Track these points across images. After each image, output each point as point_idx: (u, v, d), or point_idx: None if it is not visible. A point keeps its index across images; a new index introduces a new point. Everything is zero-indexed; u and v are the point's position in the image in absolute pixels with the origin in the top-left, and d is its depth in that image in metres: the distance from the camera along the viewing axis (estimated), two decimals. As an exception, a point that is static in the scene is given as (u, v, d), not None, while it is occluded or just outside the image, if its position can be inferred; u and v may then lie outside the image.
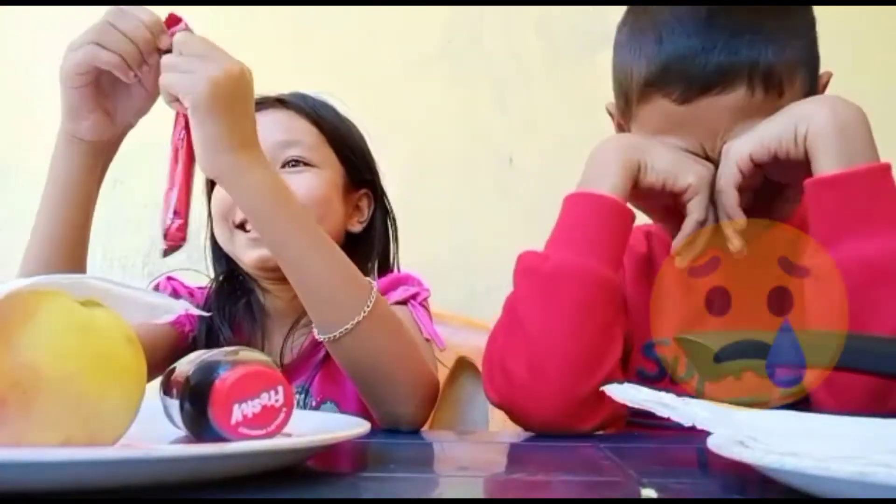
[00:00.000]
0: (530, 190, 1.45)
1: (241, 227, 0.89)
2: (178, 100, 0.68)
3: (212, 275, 1.01)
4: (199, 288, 0.99)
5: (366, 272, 0.96)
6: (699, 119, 0.72)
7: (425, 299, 0.92)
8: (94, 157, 0.76)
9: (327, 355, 0.89)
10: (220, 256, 0.98)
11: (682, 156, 0.74)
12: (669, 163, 0.74)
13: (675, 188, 0.74)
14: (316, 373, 0.91)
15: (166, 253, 0.71)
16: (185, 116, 0.68)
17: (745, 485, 0.44)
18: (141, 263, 1.51)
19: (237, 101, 0.68)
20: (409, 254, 1.04)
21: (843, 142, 0.69)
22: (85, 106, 0.73)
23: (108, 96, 0.74)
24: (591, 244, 0.73)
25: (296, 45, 1.54)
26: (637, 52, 0.76)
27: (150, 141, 1.66)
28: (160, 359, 0.86)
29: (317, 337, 0.72)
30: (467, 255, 1.45)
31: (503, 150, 1.48)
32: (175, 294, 0.96)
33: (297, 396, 0.90)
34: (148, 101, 0.77)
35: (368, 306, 0.70)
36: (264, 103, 0.97)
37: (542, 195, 1.46)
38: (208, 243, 1.00)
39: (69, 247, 0.78)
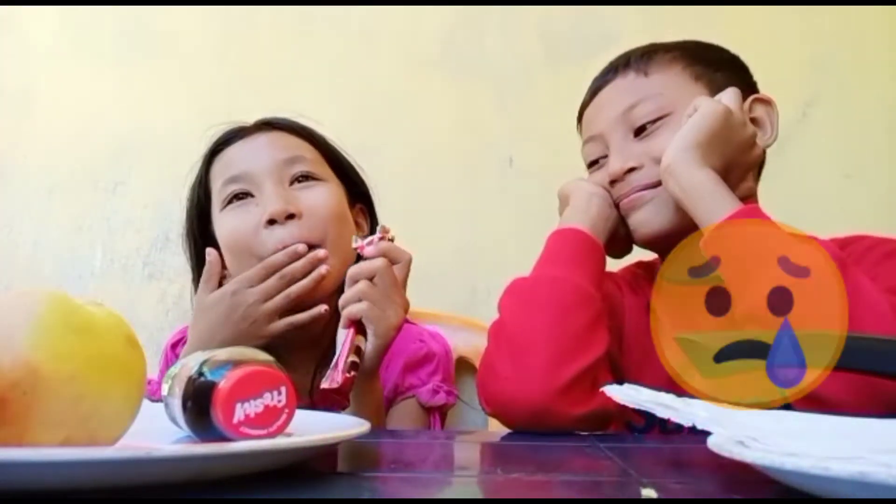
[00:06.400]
0: (530, 190, 1.45)
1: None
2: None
3: None
4: None
5: None
6: (599, 107, 0.92)
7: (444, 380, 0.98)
8: None
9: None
10: None
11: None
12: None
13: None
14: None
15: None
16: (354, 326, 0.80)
17: (745, 485, 0.44)
18: (141, 263, 1.51)
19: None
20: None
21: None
22: None
23: None
24: (566, 262, 0.82)
25: (296, 46, 1.54)
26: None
27: (150, 143, 1.66)
28: None
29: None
30: (467, 256, 1.45)
31: (503, 150, 1.48)
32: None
33: None
34: None
35: None
36: (248, 130, 0.97)
37: (542, 195, 1.45)
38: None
39: None
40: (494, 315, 0.80)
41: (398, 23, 1.52)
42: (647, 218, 0.86)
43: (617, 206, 0.88)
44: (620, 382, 0.83)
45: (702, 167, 0.78)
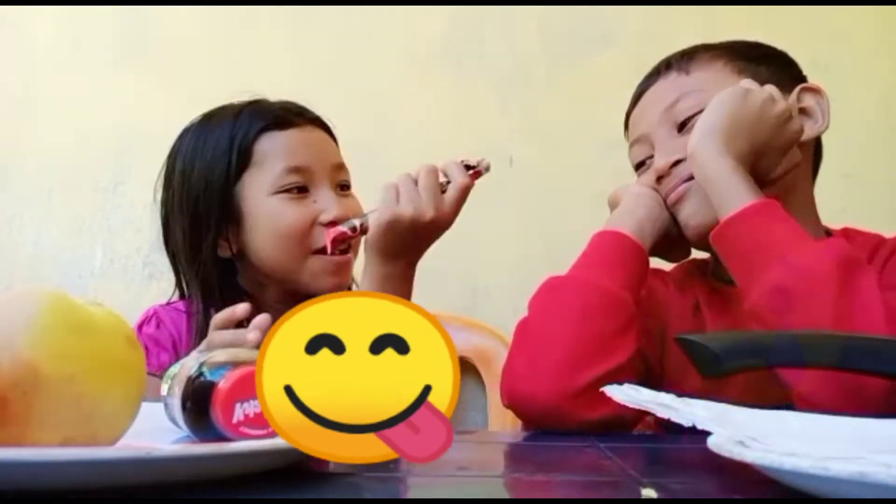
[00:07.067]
0: (530, 190, 1.45)
1: (321, 252, 0.93)
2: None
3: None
4: (174, 306, 1.01)
5: None
6: (643, 109, 0.91)
7: None
8: None
9: None
10: (214, 286, 0.98)
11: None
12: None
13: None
14: None
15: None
16: None
17: (745, 485, 0.44)
18: (141, 263, 1.51)
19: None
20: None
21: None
22: None
23: None
24: (599, 265, 0.80)
25: (296, 45, 1.54)
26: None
27: (150, 143, 1.67)
28: None
29: None
30: (467, 255, 1.45)
31: (503, 150, 1.48)
32: (160, 323, 0.99)
33: None
34: None
35: None
36: (297, 121, 0.98)
37: (542, 195, 1.46)
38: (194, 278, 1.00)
39: None
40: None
41: (398, 22, 1.51)
42: (695, 209, 0.83)
43: (668, 206, 0.86)
44: (655, 386, 0.83)
45: (723, 154, 0.76)
